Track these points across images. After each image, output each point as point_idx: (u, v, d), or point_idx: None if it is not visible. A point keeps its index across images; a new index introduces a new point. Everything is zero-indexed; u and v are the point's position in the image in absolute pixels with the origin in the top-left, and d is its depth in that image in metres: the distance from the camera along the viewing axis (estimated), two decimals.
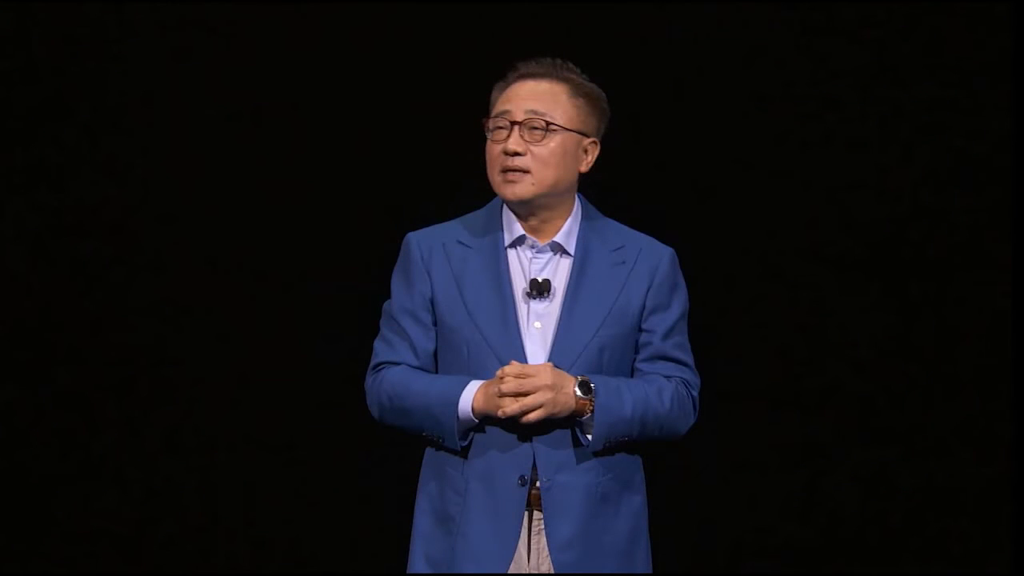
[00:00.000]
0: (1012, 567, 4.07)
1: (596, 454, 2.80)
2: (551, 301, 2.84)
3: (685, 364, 2.90)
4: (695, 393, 2.91)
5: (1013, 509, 4.09)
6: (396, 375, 2.85)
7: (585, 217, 2.90)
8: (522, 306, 2.84)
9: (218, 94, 4.19)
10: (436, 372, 2.88)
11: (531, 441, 2.79)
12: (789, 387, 4.23)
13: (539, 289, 2.83)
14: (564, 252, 2.87)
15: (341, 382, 3.42)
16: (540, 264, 2.86)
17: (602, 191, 2.98)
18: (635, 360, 2.89)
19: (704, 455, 4.05)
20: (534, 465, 2.79)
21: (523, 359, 2.79)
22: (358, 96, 4.18)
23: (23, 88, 4.19)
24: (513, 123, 2.81)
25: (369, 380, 2.91)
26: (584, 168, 2.88)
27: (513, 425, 2.76)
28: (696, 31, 4.15)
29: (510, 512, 2.78)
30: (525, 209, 2.85)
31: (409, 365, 2.86)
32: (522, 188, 2.82)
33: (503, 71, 2.89)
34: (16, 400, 4.24)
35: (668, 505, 3.15)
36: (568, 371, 2.77)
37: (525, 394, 2.72)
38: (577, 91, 2.85)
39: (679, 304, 2.91)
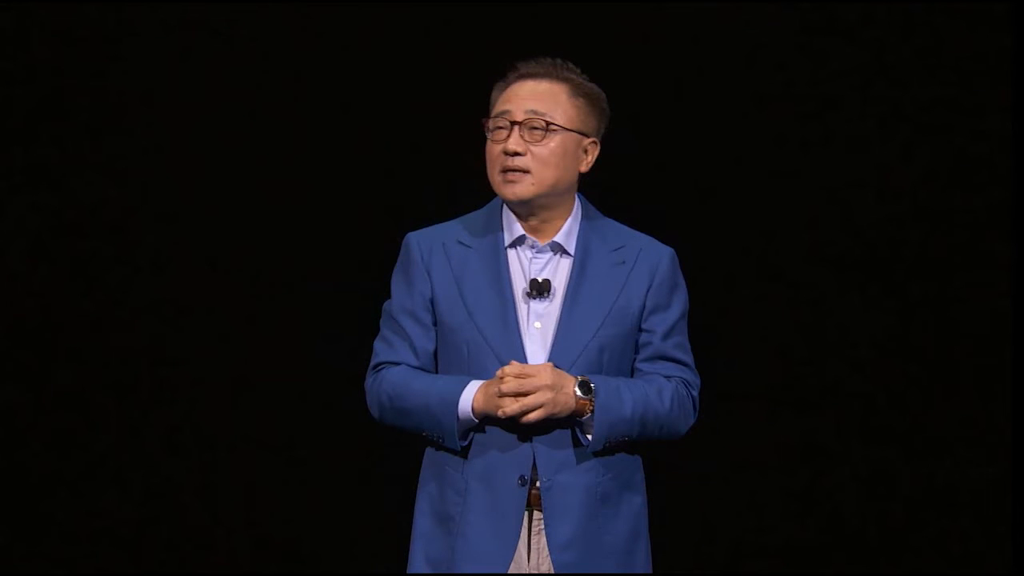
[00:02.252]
0: (1012, 567, 4.07)
1: (596, 454, 2.80)
2: (551, 301, 2.84)
3: (685, 364, 2.90)
4: (695, 393, 2.91)
5: (1013, 509, 4.09)
6: (396, 375, 2.85)
7: (585, 217, 2.90)
8: (522, 306, 2.84)
9: (218, 94, 4.19)
10: (436, 372, 2.88)
11: (531, 441, 2.79)
12: (789, 387, 4.23)
13: (539, 289, 2.83)
14: (564, 252, 2.87)
15: (341, 382, 3.42)
16: (540, 264, 2.86)
17: (602, 191, 2.98)
18: (635, 360, 2.89)
19: (704, 455, 4.05)
20: (534, 465, 2.79)
21: (523, 359, 2.79)
22: (358, 96, 4.19)
23: (23, 88, 4.19)
24: (513, 123, 2.81)
25: (369, 380, 2.91)
26: (584, 168, 2.88)
27: (513, 425, 2.76)
28: (696, 31, 4.15)
29: (510, 512, 2.78)
30: (525, 209, 2.85)
31: (409, 365, 2.86)
32: (522, 188, 2.82)
33: (503, 71, 2.89)
34: (16, 400, 4.24)
35: (668, 505, 3.15)
36: (568, 371, 2.77)
37: (525, 394, 2.72)
38: (577, 91, 2.85)
39: (679, 304, 2.91)
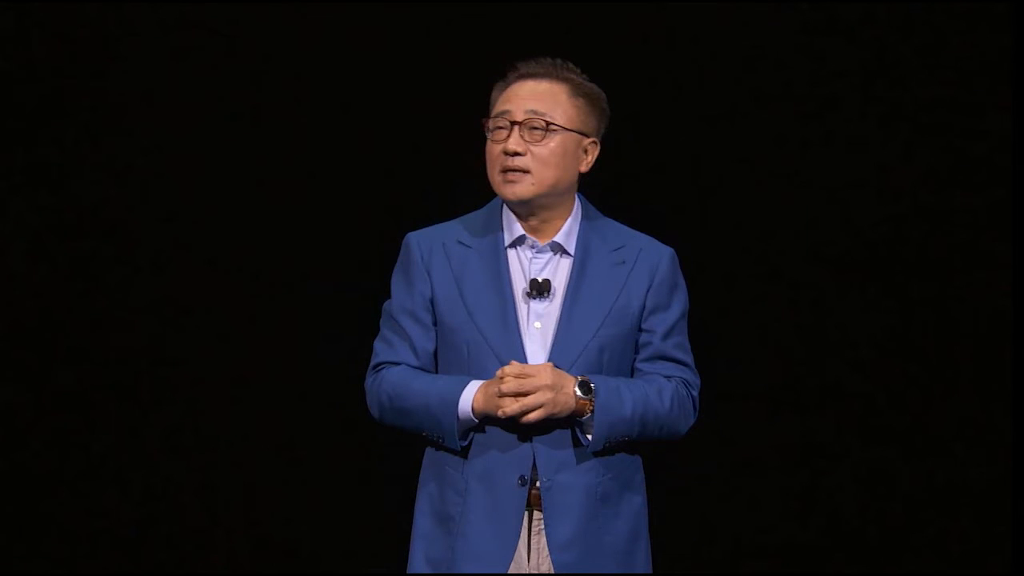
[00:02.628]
0: (1012, 567, 4.07)
1: (596, 454, 2.80)
2: (551, 301, 2.84)
3: (685, 364, 2.90)
4: (695, 393, 2.91)
5: (1013, 509, 4.09)
6: (396, 375, 2.85)
7: (585, 217, 2.90)
8: (522, 306, 2.84)
9: (218, 94, 4.19)
10: (436, 372, 2.88)
11: (531, 441, 2.79)
12: (789, 387, 4.23)
13: (539, 289, 2.83)
14: (564, 252, 2.87)
15: (341, 382, 3.42)
16: (540, 264, 2.86)
17: (602, 191, 2.98)
18: (635, 360, 2.89)
19: (704, 455, 4.05)
20: (534, 465, 2.79)
21: (523, 359, 2.79)
22: (358, 96, 4.19)
23: (23, 88, 4.19)
24: (513, 123, 2.81)
25: (369, 380, 2.91)
26: (584, 168, 2.88)
27: (513, 425, 2.76)
28: (696, 31, 4.15)
29: (510, 512, 2.78)
30: (525, 209, 2.85)
31: (409, 365, 2.86)
32: (522, 188, 2.82)
33: (503, 71, 2.89)
34: (16, 400, 4.24)
35: (668, 505, 3.15)
36: (568, 371, 2.77)
37: (525, 394, 2.72)
38: (577, 91, 2.85)
39: (679, 304, 2.91)
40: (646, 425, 2.82)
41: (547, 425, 2.77)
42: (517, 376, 2.72)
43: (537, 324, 2.82)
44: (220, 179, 4.21)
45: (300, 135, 4.20)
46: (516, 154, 2.80)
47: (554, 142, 2.82)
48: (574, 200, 2.90)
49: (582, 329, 2.82)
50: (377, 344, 2.91)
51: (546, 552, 2.79)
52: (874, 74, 4.15)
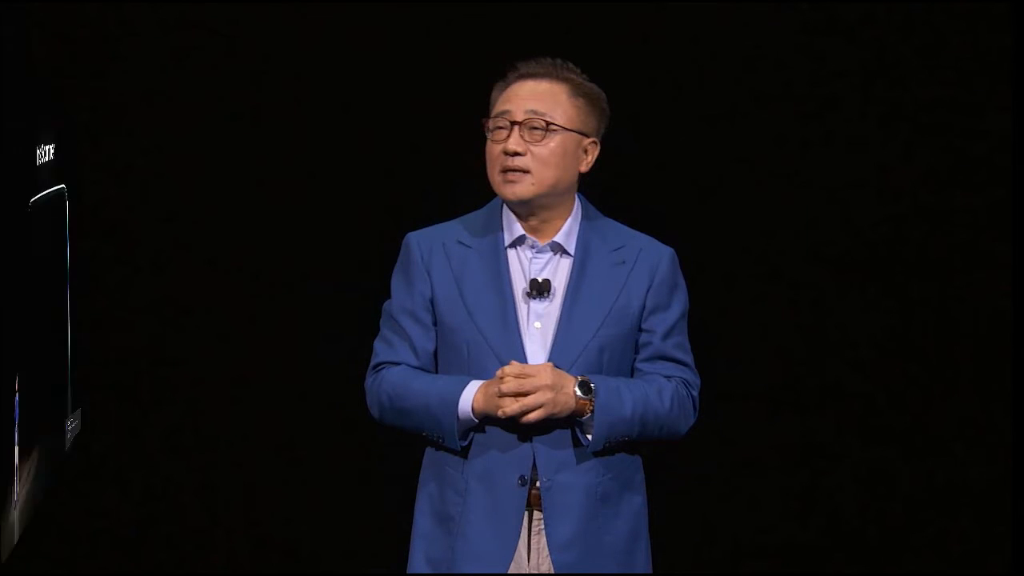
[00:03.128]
0: (1012, 567, 4.07)
1: (596, 454, 2.80)
2: (551, 301, 2.84)
3: (685, 364, 2.90)
4: (695, 393, 2.91)
5: (1013, 509, 4.09)
6: (396, 375, 2.85)
7: (585, 217, 2.90)
8: (522, 306, 2.84)
9: (218, 94, 4.19)
10: (436, 372, 2.88)
11: (531, 441, 2.79)
12: (789, 387, 4.23)
13: (539, 289, 2.83)
14: (564, 252, 2.87)
15: (341, 382, 3.42)
16: (540, 264, 2.86)
17: (602, 191, 2.98)
18: (635, 360, 2.89)
19: (704, 455, 4.05)
20: (534, 465, 2.79)
21: (523, 359, 2.79)
22: (358, 96, 4.19)
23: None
24: (513, 123, 2.81)
25: (369, 380, 2.91)
26: (584, 168, 2.88)
27: (513, 425, 2.76)
28: (696, 31, 4.15)
29: (510, 512, 2.78)
30: (525, 209, 2.85)
31: (409, 365, 2.86)
32: (522, 188, 2.82)
33: (503, 71, 2.89)
34: None
35: (668, 505, 3.15)
36: (568, 371, 2.77)
37: (525, 394, 2.72)
38: (577, 91, 2.85)
39: (679, 304, 2.91)
40: (646, 425, 2.82)
41: (547, 425, 2.77)
42: (517, 376, 2.72)
43: (537, 324, 2.82)
44: (220, 179, 4.22)
45: (300, 135, 4.20)
46: (516, 154, 2.80)
47: (554, 142, 2.81)
48: (574, 200, 2.90)
49: (582, 329, 2.82)
50: (377, 344, 2.91)
51: (546, 552, 2.79)
52: (874, 74, 4.16)
